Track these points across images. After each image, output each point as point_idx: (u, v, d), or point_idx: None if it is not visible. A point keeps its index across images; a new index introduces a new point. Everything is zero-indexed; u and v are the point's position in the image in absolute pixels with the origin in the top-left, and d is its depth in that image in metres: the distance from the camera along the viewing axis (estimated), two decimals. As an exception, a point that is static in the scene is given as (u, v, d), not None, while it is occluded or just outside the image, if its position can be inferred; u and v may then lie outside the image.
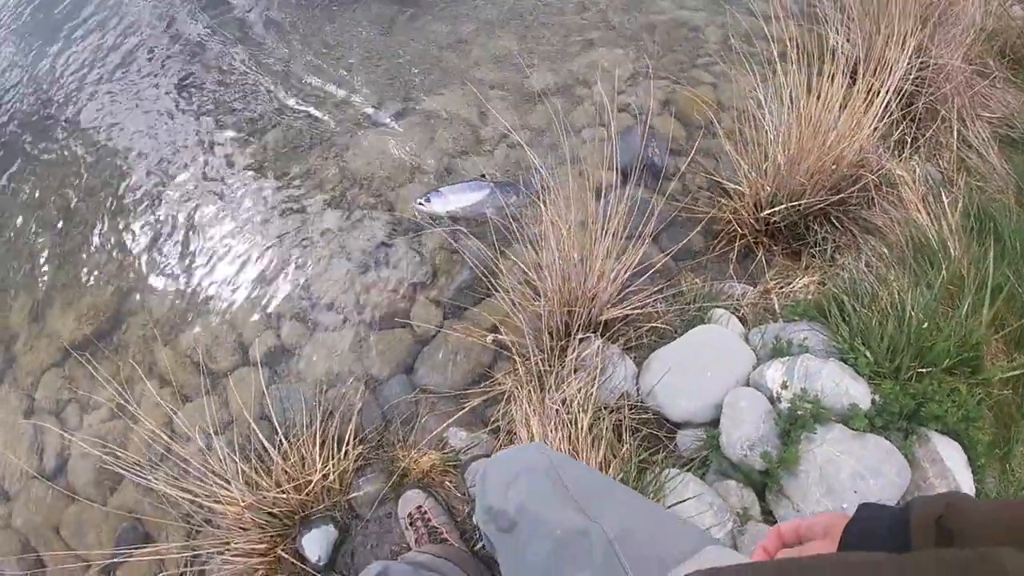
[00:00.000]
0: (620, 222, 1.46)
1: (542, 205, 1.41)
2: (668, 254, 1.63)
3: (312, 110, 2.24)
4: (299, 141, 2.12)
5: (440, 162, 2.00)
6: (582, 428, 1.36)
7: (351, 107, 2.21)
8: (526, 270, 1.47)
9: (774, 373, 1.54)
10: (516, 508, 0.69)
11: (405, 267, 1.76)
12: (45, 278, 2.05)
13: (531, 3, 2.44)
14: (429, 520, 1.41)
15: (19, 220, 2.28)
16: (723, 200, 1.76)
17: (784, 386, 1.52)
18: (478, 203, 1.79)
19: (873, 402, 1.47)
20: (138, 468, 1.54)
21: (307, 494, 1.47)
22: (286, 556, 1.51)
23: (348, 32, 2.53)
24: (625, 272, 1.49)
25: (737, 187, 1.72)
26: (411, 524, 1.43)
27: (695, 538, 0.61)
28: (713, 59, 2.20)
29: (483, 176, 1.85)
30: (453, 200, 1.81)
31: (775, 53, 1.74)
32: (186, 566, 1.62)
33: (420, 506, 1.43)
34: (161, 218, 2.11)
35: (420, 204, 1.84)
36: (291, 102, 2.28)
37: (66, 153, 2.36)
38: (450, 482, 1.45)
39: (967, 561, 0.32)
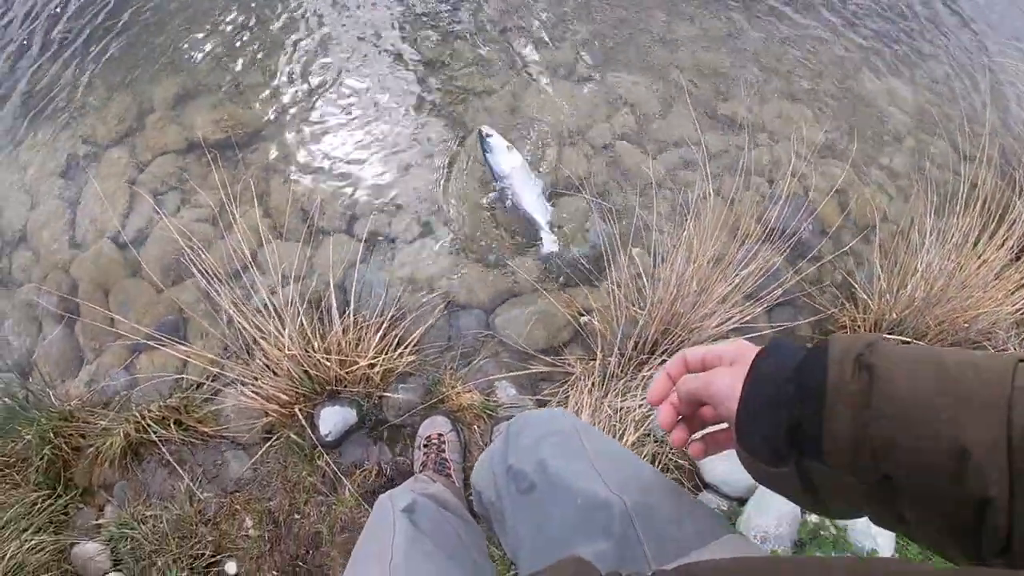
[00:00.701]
0: (750, 276, 1.40)
1: (690, 224, 1.36)
2: (776, 328, 1.56)
3: (509, 38, 2.18)
4: (485, 63, 2.08)
5: (603, 138, 1.95)
6: (626, 442, 1.32)
7: (546, 52, 2.16)
8: (642, 274, 1.43)
9: (818, 485, 1.49)
10: (538, 471, 0.67)
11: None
12: (202, 70, 2.07)
13: (757, 35, 2.36)
14: (443, 451, 1.40)
15: (207, 5, 2.28)
16: (848, 305, 1.68)
17: (823, 502, 1.48)
18: (501, 185, 1.66)
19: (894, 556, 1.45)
20: (208, 274, 1.55)
21: (348, 373, 1.47)
22: (300, 417, 1.52)
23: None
24: (732, 322, 1.43)
25: (867, 299, 1.65)
26: (426, 446, 1.41)
27: (717, 525, 0.59)
28: (899, 170, 2.11)
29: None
30: (509, 167, 1.66)
31: (961, 194, 1.64)
32: (207, 379, 1.64)
33: (442, 434, 1.41)
34: (333, 74, 2.08)
35: (483, 130, 1.69)
36: (492, 24, 2.23)
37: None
38: (478, 428, 1.43)
39: None
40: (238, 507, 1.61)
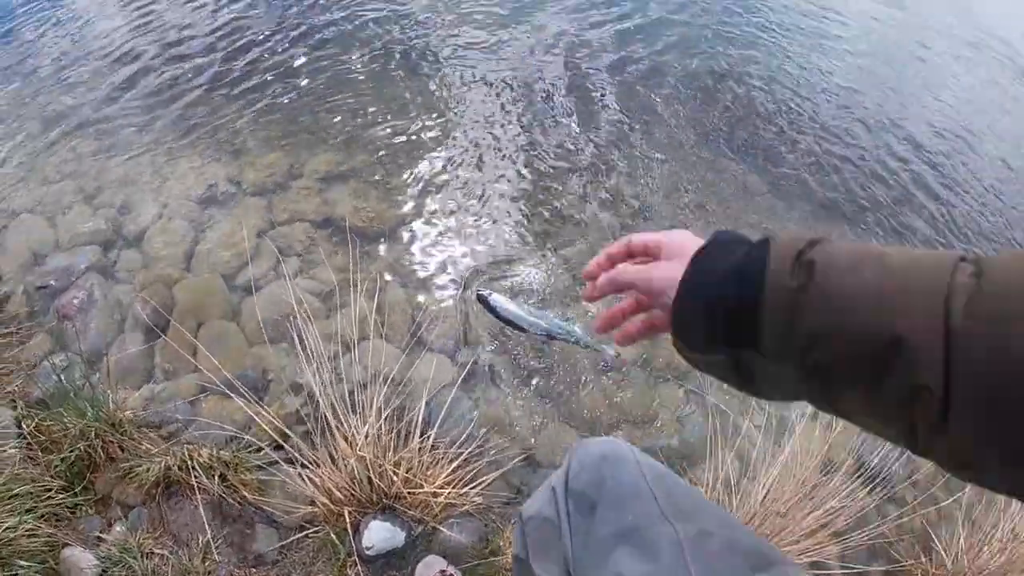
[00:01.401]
0: (836, 514, 1.31)
1: (790, 445, 1.30)
2: (845, 571, 1.43)
3: (619, 184, 2.29)
4: (584, 194, 2.14)
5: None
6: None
7: (629, 196, 2.22)
8: (728, 482, 1.35)
9: None
10: (597, 491, 0.69)
11: (627, 388, 1.69)
12: (360, 157, 2.18)
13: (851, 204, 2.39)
14: None
15: (382, 97, 2.44)
16: (924, 558, 1.54)
17: None
18: (527, 326, 1.66)
19: None
20: (307, 348, 1.54)
21: (410, 492, 1.39)
22: (347, 519, 1.43)
23: (671, 126, 2.56)
24: (804, 556, 1.32)
25: (943, 555, 1.50)
26: None
27: (769, 556, 0.59)
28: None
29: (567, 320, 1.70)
30: (506, 312, 1.69)
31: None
32: (268, 446, 1.57)
33: (443, 570, 1.30)
34: (476, 198, 2.14)
35: (481, 293, 1.70)
36: (604, 175, 2.34)
37: (426, 69, 2.54)
38: (522, 594, 1.31)
39: None
40: (250, 586, 1.49)
